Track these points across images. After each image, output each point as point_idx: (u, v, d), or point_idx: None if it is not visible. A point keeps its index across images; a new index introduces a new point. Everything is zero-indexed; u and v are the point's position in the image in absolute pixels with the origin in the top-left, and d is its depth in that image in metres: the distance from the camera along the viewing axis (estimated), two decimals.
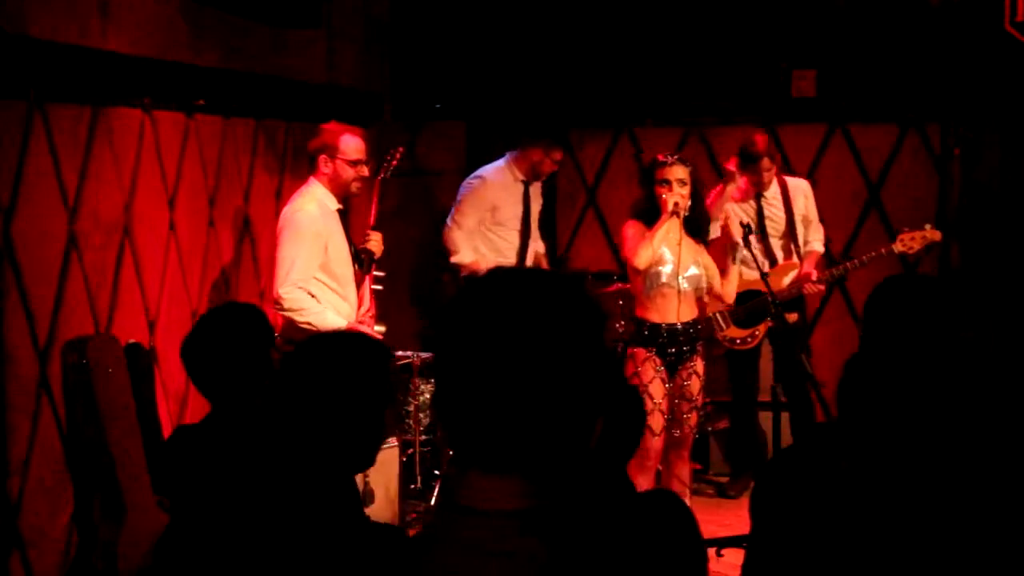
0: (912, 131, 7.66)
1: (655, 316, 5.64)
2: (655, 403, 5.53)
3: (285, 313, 5.31)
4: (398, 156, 6.27)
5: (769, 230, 6.85)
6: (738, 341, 6.74)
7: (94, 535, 4.85)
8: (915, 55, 7.40)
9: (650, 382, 5.56)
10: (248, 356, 3.37)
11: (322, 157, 5.55)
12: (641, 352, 5.62)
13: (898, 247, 6.49)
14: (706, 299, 5.92)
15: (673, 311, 5.62)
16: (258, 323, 3.48)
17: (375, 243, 5.88)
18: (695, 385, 5.67)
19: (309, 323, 5.30)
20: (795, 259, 6.85)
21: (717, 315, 6.78)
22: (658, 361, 5.60)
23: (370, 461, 2.69)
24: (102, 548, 4.82)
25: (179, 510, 3.40)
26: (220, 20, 5.93)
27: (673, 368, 5.64)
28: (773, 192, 6.85)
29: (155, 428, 5.16)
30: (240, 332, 3.40)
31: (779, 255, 6.87)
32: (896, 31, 7.42)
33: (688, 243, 5.68)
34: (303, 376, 2.59)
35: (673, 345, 5.62)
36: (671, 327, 5.62)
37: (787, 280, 6.74)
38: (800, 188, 6.94)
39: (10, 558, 4.65)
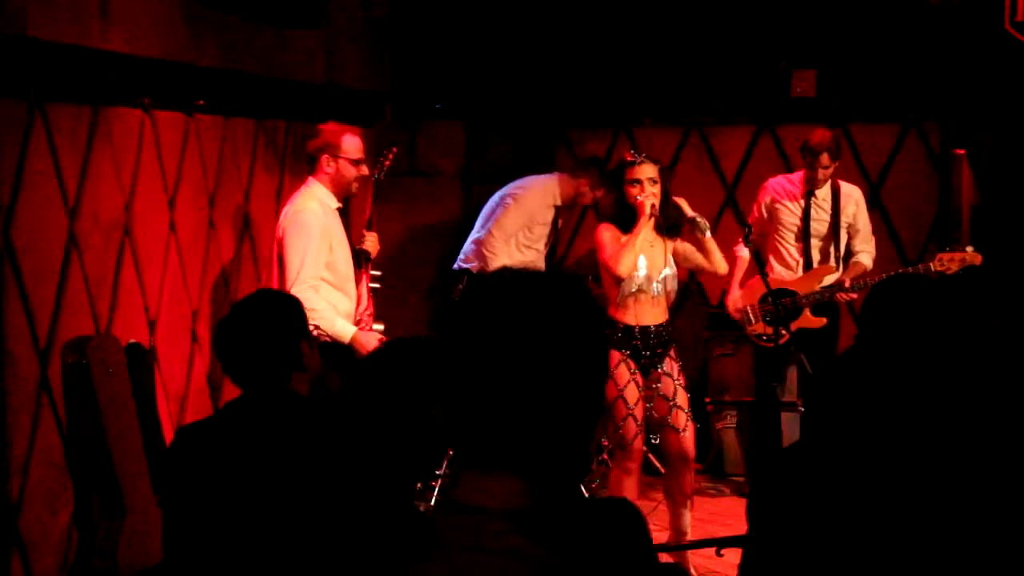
0: (912, 131, 7.67)
1: (629, 319, 5.52)
2: (629, 408, 5.44)
3: None
4: (391, 157, 6.26)
5: (812, 231, 6.81)
6: (764, 338, 6.72)
7: (94, 535, 4.85)
8: (915, 55, 7.40)
9: (625, 385, 5.46)
10: (280, 344, 3.37)
11: (324, 157, 5.55)
12: (615, 354, 5.48)
13: (936, 266, 6.41)
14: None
15: (646, 314, 5.53)
16: (293, 311, 3.49)
17: (371, 243, 5.90)
18: (668, 386, 5.54)
19: (317, 326, 5.29)
20: (832, 263, 6.80)
21: (748, 309, 6.77)
22: (632, 364, 5.49)
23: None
24: (102, 548, 4.81)
25: (188, 509, 3.36)
26: (220, 20, 5.93)
27: (646, 371, 5.54)
28: (824, 194, 6.78)
29: (155, 428, 5.16)
30: (274, 319, 3.41)
31: (816, 257, 6.82)
32: (896, 31, 7.42)
33: (659, 244, 5.57)
34: (378, 385, 2.57)
35: (647, 348, 5.53)
36: (644, 329, 5.53)
37: (821, 285, 6.70)
38: (852, 196, 6.82)
39: (10, 558, 4.65)
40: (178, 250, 5.72)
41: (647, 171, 5.52)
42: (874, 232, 7.04)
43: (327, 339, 5.28)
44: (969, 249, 6.45)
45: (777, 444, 6.94)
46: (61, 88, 4.88)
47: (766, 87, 7.72)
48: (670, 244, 5.62)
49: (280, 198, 6.47)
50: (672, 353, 5.63)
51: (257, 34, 6.26)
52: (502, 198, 7.16)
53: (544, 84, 7.97)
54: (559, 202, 7.14)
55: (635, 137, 8.08)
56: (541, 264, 7.18)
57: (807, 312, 6.67)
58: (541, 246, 7.20)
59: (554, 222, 7.20)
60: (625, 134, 8.12)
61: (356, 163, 5.61)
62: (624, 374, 5.48)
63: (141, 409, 5.08)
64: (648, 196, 5.48)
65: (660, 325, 5.58)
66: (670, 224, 5.59)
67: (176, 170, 5.71)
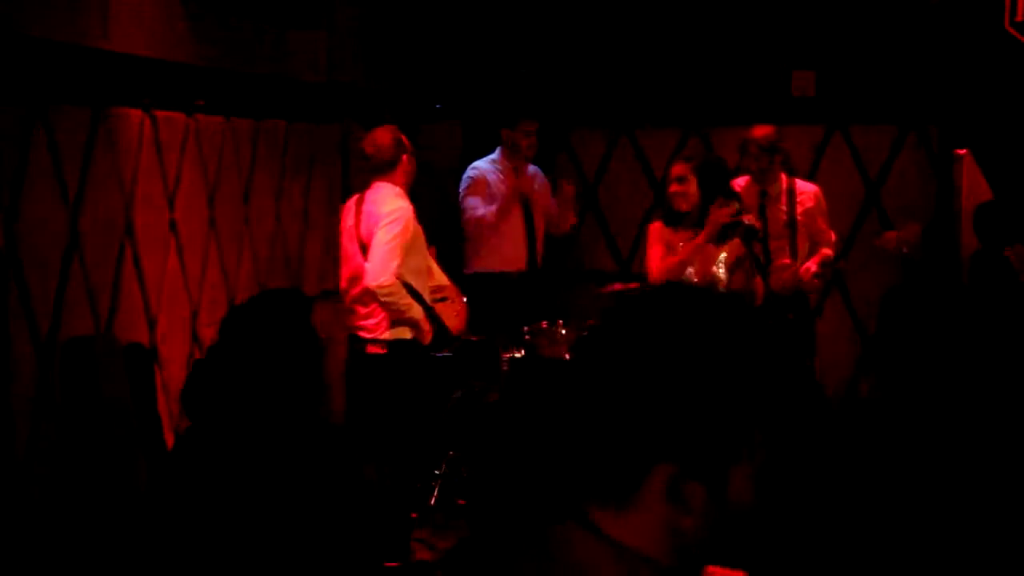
0: (912, 132, 7.67)
1: None
2: None
3: (385, 299, 5.84)
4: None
5: (769, 230, 6.81)
6: None
7: None
8: (914, 56, 7.40)
9: None
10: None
11: (405, 157, 6.00)
12: None
13: (877, 242, 6.53)
14: None
15: None
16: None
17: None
18: None
19: (400, 310, 5.87)
20: (788, 260, 6.79)
21: None
22: None
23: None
24: None
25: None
26: (220, 20, 5.93)
27: None
28: (777, 193, 6.81)
29: (155, 428, 5.16)
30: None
31: (774, 257, 6.82)
32: (896, 31, 7.43)
33: (709, 250, 5.52)
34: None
35: None
36: None
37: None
38: (808, 192, 6.86)
39: None
40: (178, 250, 5.72)
41: (674, 170, 5.61)
42: (873, 232, 7.05)
43: (379, 351, 5.67)
44: (908, 224, 6.52)
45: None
46: (61, 89, 4.88)
47: (766, 87, 7.73)
48: (725, 248, 5.50)
49: (280, 198, 6.47)
50: None
51: (257, 34, 6.25)
52: (460, 187, 7.50)
53: (544, 85, 7.98)
54: (510, 163, 7.29)
55: (636, 138, 8.08)
56: (519, 226, 7.30)
57: None
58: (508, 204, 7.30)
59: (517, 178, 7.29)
60: (626, 135, 8.13)
61: (414, 153, 6.12)
62: None
63: (141, 409, 5.08)
64: (681, 197, 5.49)
65: None
66: (723, 228, 5.47)
67: (176, 170, 5.70)
